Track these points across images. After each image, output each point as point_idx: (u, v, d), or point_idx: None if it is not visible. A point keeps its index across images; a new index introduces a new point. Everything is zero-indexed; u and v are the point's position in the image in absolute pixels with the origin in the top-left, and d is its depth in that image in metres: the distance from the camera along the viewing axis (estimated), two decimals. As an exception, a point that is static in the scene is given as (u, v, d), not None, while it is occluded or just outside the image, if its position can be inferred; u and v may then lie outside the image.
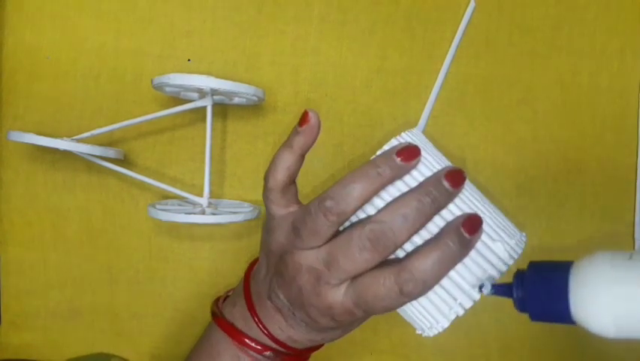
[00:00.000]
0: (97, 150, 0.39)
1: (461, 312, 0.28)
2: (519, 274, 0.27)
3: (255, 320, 0.31)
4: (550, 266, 0.27)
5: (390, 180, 0.27)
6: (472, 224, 0.27)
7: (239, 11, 0.43)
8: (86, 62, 0.43)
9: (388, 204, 0.27)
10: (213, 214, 0.38)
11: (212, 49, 0.43)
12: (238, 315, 0.32)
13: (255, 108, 0.43)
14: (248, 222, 0.42)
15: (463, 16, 0.43)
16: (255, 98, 0.39)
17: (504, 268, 0.28)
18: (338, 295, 0.28)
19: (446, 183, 0.27)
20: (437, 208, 0.27)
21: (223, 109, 0.43)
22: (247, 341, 0.31)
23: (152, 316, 0.44)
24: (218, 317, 0.33)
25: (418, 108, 0.43)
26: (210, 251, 0.44)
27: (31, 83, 0.43)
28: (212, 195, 0.42)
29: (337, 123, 0.43)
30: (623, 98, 0.43)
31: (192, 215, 0.37)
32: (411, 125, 0.43)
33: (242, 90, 0.37)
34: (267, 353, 0.31)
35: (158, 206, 0.39)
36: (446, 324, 0.28)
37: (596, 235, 0.43)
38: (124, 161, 0.43)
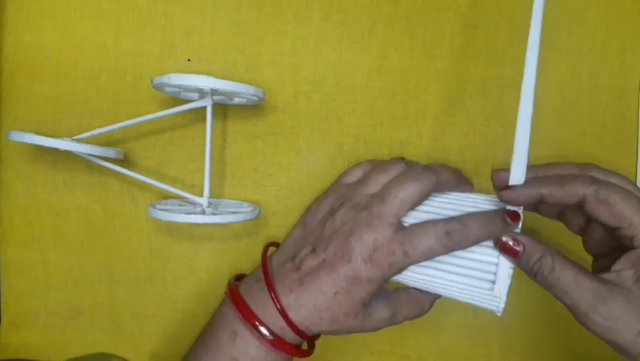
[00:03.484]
0: (97, 150, 0.39)
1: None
2: None
3: (270, 296, 0.32)
4: None
5: (501, 233, 0.32)
6: (514, 215, 0.32)
7: (239, 11, 0.43)
8: (86, 62, 0.43)
9: (471, 214, 0.32)
10: (213, 214, 0.38)
11: (212, 49, 0.43)
12: (250, 294, 0.33)
13: (255, 108, 0.43)
14: (248, 222, 0.42)
15: (465, 16, 0.43)
16: (255, 98, 0.39)
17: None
18: (388, 231, 0.31)
19: (508, 219, 0.31)
20: (495, 234, 0.31)
21: (223, 109, 0.43)
22: (250, 315, 0.32)
23: (152, 315, 0.44)
24: (231, 286, 0.34)
25: (417, 108, 0.43)
26: (210, 251, 0.44)
27: (32, 83, 0.43)
28: (212, 195, 0.43)
29: (337, 123, 0.43)
30: (622, 99, 0.43)
31: (192, 215, 0.37)
32: (411, 125, 0.43)
33: (242, 90, 0.37)
34: (262, 328, 0.32)
35: (158, 206, 0.39)
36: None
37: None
38: (124, 161, 0.43)
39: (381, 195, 0.32)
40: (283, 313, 0.32)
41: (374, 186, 0.34)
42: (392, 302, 0.33)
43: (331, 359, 0.44)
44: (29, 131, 0.38)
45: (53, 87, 0.43)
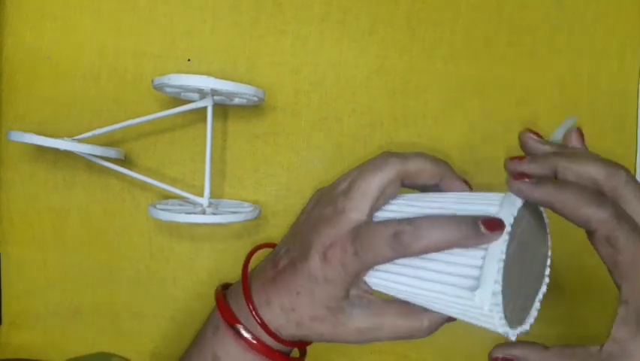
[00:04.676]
0: (98, 150, 0.39)
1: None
2: None
3: (244, 294, 0.31)
4: None
5: (468, 241, 0.26)
6: (492, 224, 0.26)
7: (239, 11, 0.43)
8: (86, 62, 0.43)
9: (430, 216, 0.27)
10: (214, 214, 0.38)
11: (212, 49, 0.43)
12: (234, 295, 0.33)
13: (255, 108, 0.43)
14: (248, 222, 0.42)
15: (465, 16, 0.43)
16: (255, 98, 0.39)
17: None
18: (346, 227, 0.28)
19: (482, 227, 0.26)
20: (459, 242, 0.26)
21: (223, 109, 0.43)
22: (229, 314, 0.32)
23: (152, 315, 0.44)
24: (217, 288, 0.34)
25: (417, 108, 0.43)
26: (211, 251, 0.44)
27: (32, 84, 0.43)
28: (212, 195, 0.43)
29: (337, 123, 0.43)
30: (622, 99, 0.43)
31: (193, 215, 0.37)
32: (411, 125, 0.43)
33: (242, 90, 0.37)
34: (239, 326, 0.31)
35: (158, 206, 0.39)
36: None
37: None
38: (125, 161, 0.43)
39: (345, 190, 0.30)
40: (255, 310, 0.31)
41: (347, 181, 0.31)
42: (375, 312, 0.30)
43: (331, 359, 0.44)
44: (29, 131, 0.38)
45: (53, 87, 0.43)
